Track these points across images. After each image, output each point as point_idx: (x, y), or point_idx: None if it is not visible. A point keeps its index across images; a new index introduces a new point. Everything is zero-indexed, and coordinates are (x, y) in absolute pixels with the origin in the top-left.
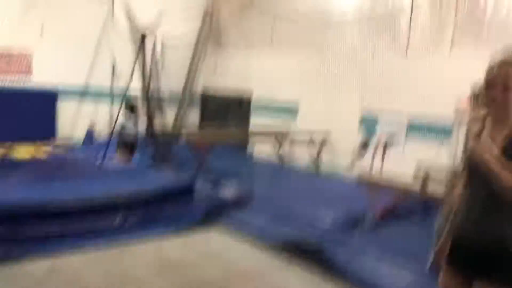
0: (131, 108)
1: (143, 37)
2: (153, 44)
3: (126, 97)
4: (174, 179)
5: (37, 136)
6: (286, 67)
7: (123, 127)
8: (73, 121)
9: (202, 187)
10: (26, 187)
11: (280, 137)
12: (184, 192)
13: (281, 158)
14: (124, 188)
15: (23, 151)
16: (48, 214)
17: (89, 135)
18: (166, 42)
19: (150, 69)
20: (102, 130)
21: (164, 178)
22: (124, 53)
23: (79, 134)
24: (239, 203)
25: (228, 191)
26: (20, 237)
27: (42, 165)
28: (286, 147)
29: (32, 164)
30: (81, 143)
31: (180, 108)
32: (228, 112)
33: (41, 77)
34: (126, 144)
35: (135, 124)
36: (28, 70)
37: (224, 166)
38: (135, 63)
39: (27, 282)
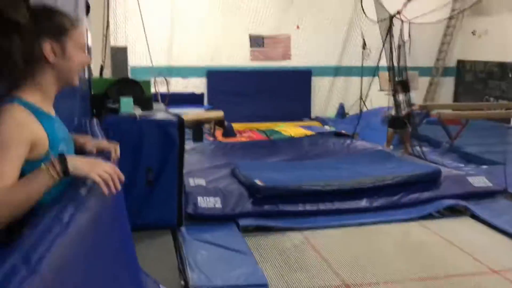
0: (403, 85)
1: (391, 19)
2: (401, 25)
3: (400, 72)
4: (422, 164)
5: (295, 115)
6: None
7: (396, 105)
8: (326, 99)
9: (450, 169)
10: (285, 168)
11: None
12: (432, 178)
13: None
14: (371, 172)
15: (283, 130)
16: (303, 194)
17: (341, 110)
18: (415, 21)
19: (399, 48)
20: (352, 105)
21: (411, 163)
22: (372, 35)
23: (331, 111)
24: (491, 191)
25: (477, 180)
26: (283, 213)
27: (298, 145)
28: None
29: (289, 144)
30: (334, 117)
31: (431, 82)
32: (487, 83)
33: (298, 60)
34: (399, 123)
35: (408, 102)
36: (287, 55)
37: (478, 145)
38: (384, 43)
39: (286, 245)
